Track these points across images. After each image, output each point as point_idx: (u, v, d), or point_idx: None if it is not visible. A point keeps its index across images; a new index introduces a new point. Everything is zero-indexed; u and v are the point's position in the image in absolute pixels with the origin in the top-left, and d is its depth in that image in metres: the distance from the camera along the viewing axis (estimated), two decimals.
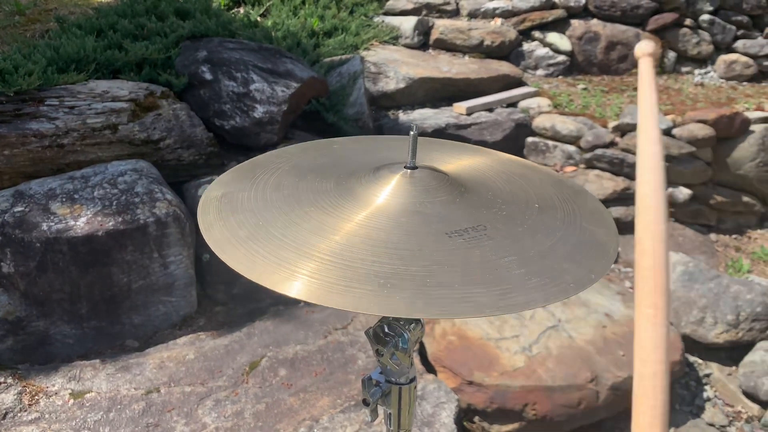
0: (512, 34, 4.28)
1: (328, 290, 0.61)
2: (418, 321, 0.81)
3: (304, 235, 0.68)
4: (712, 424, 2.46)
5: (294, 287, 0.61)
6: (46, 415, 1.88)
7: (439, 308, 0.59)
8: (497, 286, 0.61)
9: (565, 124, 3.54)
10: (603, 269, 0.66)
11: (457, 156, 0.90)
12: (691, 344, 2.67)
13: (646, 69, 0.62)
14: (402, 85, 3.68)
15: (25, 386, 1.99)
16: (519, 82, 4.05)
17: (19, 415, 1.87)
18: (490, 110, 3.71)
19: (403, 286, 0.61)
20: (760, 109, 3.61)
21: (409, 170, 0.76)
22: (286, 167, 0.87)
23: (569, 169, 3.51)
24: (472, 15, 4.45)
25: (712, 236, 3.45)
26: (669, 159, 3.37)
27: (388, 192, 0.73)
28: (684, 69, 4.44)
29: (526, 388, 2.21)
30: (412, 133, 0.74)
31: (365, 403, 0.80)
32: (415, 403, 0.83)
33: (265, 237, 0.68)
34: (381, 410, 0.83)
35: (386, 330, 0.78)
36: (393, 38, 4.21)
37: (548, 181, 0.86)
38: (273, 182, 0.81)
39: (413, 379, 0.81)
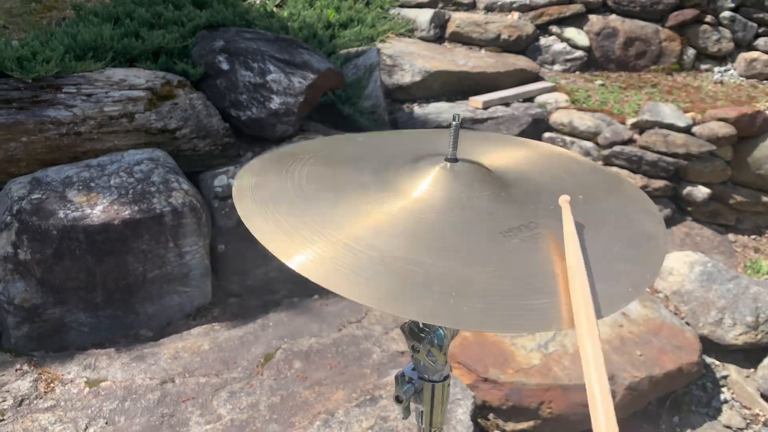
0: (529, 28, 4.23)
1: (393, 298, 0.57)
2: None
3: (358, 231, 0.65)
4: (729, 427, 2.43)
5: (358, 294, 0.58)
6: (62, 403, 1.88)
7: (505, 322, 0.54)
8: (555, 296, 0.58)
9: (583, 120, 3.50)
10: (656, 267, 0.63)
11: (494, 147, 0.87)
12: (709, 345, 2.63)
13: (567, 215, 0.62)
14: (417, 78, 3.64)
15: (40, 373, 1.99)
16: (536, 77, 4.01)
17: (35, 402, 1.87)
18: (507, 105, 3.67)
19: (467, 294, 0.56)
20: None
21: (449, 163, 0.73)
22: (315, 158, 0.85)
23: None
24: (489, 8, 4.40)
25: (731, 236, 3.41)
26: (688, 157, 3.32)
27: (430, 185, 0.70)
28: (703, 66, 4.38)
29: (542, 386, 2.19)
30: (453, 123, 0.71)
31: (398, 400, 0.78)
32: (448, 401, 0.81)
33: (317, 233, 0.65)
34: (413, 407, 0.81)
35: (422, 326, 0.76)
36: (409, 30, 4.17)
37: (588, 170, 0.84)
38: (307, 173, 0.79)
39: (447, 377, 0.79)
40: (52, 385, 1.95)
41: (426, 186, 0.70)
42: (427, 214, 0.66)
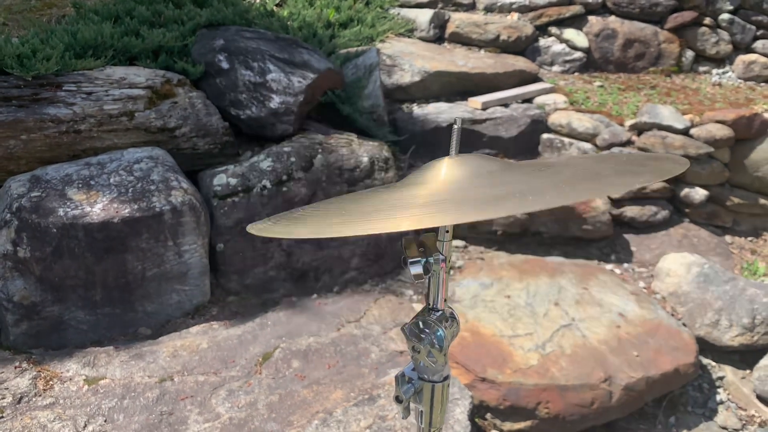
0: (529, 29, 4.24)
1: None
2: (453, 318, 0.80)
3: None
4: (725, 428, 2.45)
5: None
6: (61, 401, 1.88)
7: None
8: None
9: (582, 122, 3.51)
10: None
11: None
12: (706, 346, 2.65)
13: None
14: (417, 79, 3.65)
15: (39, 371, 2.00)
16: (535, 78, 4.01)
17: (33, 399, 1.87)
18: (506, 105, 3.68)
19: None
20: None
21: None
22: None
23: None
24: (489, 9, 4.40)
25: (728, 238, 3.42)
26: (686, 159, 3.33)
27: (446, 171, 0.75)
28: (702, 68, 4.39)
29: (540, 387, 2.20)
30: (455, 126, 0.73)
31: (398, 400, 0.79)
32: (447, 401, 0.82)
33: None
34: (413, 407, 0.82)
35: (422, 326, 0.77)
36: (408, 31, 4.18)
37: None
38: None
39: (447, 377, 0.80)
40: (51, 382, 1.95)
41: (445, 171, 0.75)
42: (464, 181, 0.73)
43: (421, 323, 0.77)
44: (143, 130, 2.53)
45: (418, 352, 0.76)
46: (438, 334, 0.76)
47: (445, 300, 0.79)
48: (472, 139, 3.46)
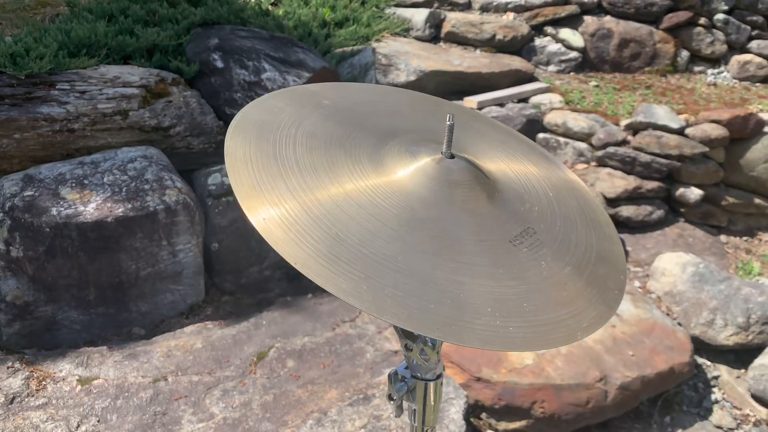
0: (524, 29, 4.24)
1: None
2: None
3: (327, 196, 0.66)
4: (719, 427, 2.45)
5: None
6: (54, 401, 1.87)
7: (546, 339, 0.55)
8: (572, 305, 0.58)
9: (577, 121, 3.51)
10: (624, 266, 0.65)
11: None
12: (701, 346, 2.65)
13: None
14: (413, 78, 3.64)
15: (32, 371, 1.98)
16: (530, 78, 4.02)
17: (26, 400, 1.86)
18: (501, 105, 3.68)
19: (513, 319, 0.56)
20: None
21: (445, 158, 0.73)
22: (330, 108, 0.82)
23: (580, 166, 3.48)
24: (485, 9, 4.41)
25: (723, 237, 3.43)
26: (681, 159, 3.34)
27: (422, 178, 0.71)
28: (697, 68, 4.40)
29: (535, 386, 2.20)
30: (448, 123, 0.72)
31: (390, 398, 0.78)
32: (441, 399, 0.81)
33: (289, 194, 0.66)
34: (406, 405, 0.81)
35: None
36: (404, 30, 4.17)
37: (533, 153, 0.86)
38: (314, 123, 0.77)
39: (440, 376, 0.79)
40: (43, 383, 1.94)
41: (412, 173, 0.71)
42: (447, 224, 0.66)
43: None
44: (137, 129, 2.51)
45: (411, 350, 0.75)
46: None
47: None
48: None
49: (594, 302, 0.59)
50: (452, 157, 0.73)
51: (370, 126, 0.80)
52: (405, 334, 0.76)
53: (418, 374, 0.79)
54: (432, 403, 0.80)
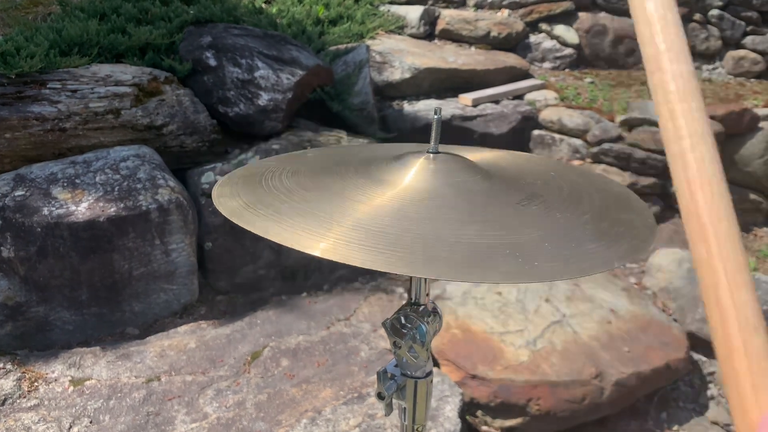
0: (519, 25, 4.23)
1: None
2: (435, 312, 0.79)
3: (364, 215, 0.66)
4: (716, 423, 2.45)
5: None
6: (46, 402, 1.86)
7: (577, 268, 0.56)
8: (599, 240, 0.59)
9: (572, 118, 3.51)
10: (650, 213, 0.68)
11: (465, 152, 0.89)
12: (697, 342, 2.64)
13: None
14: (407, 75, 3.63)
15: (24, 372, 1.97)
16: (525, 75, 4.01)
17: (18, 401, 1.84)
18: (497, 102, 3.67)
19: (536, 256, 0.57)
20: None
21: (432, 154, 0.73)
22: (284, 173, 0.81)
23: (576, 163, 3.48)
24: (479, 5, 4.40)
25: None
26: None
27: (417, 173, 0.72)
28: None
29: (531, 383, 2.19)
30: (435, 117, 0.71)
31: (380, 396, 0.77)
32: (431, 397, 0.80)
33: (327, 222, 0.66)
34: (396, 404, 0.80)
35: (403, 321, 0.75)
36: (399, 27, 4.16)
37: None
38: (286, 182, 0.76)
39: (429, 373, 0.78)
40: (35, 384, 1.93)
41: (414, 174, 0.71)
42: (450, 198, 0.68)
43: (402, 318, 0.76)
44: (130, 128, 2.50)
45: (400, 347, 0.74)
46: (420, 329, 0.75)
47: (428, 294, 0.78)
48: (463, 136, 3.45)
49: (625, 237, 0.60)
50: (437, 152, 0.74)
51: (344, 166, 0.80)
52: (394, 332, 0.75)
53: (408, 372, 0.78)
54: (422, 401, 0.79)
